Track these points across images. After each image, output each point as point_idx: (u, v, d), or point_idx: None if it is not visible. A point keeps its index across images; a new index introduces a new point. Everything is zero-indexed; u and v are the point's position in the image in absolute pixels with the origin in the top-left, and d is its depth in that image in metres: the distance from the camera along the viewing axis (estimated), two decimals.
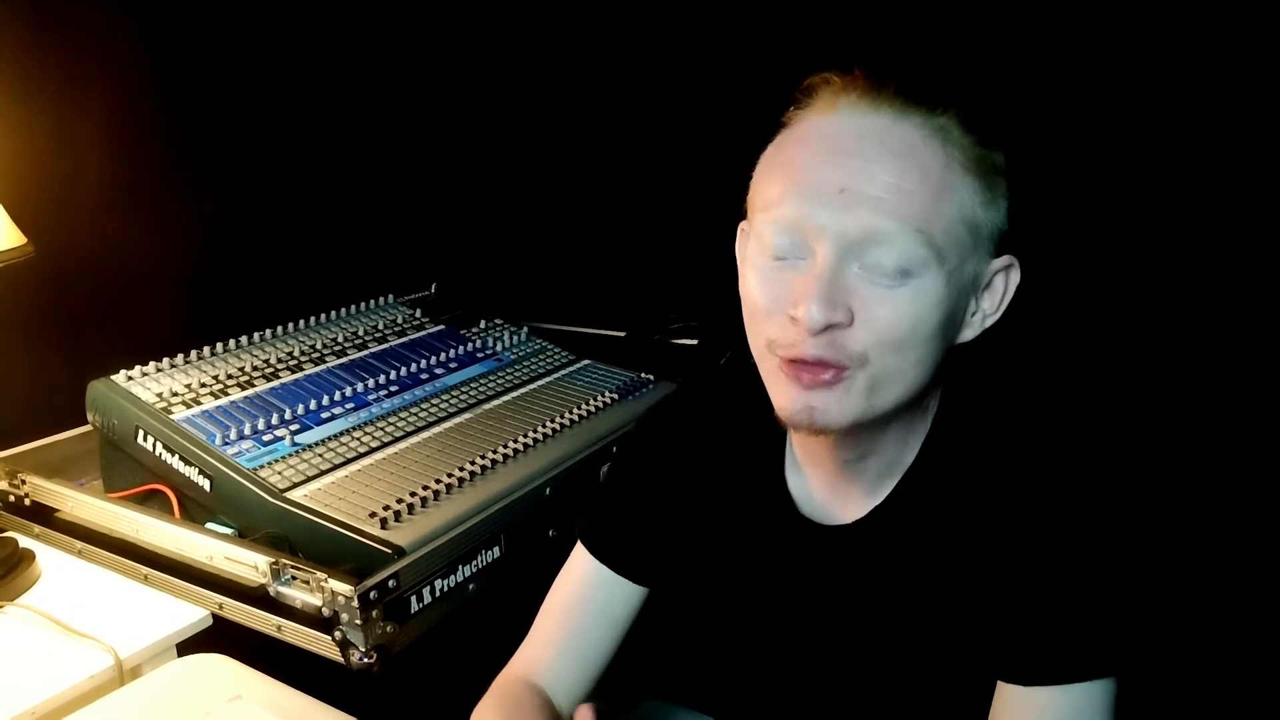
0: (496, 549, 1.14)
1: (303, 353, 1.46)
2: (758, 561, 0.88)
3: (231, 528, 1.19)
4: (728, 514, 0.89)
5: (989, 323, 0.77)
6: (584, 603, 0.93)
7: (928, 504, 0.80)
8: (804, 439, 0.83)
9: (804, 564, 0.86)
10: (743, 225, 0.81)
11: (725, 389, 0.94)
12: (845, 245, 0.70)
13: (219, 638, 1.10)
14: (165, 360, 1.36)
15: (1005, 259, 0.76)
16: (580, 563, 0.95)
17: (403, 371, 1.46)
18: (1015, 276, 0.77)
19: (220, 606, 1.09)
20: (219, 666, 1.03)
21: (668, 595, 0.94)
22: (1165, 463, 1.36)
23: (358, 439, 1.28)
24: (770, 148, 0.77)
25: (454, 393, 1.45)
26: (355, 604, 0.96)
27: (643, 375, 1.55)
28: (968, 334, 0.77)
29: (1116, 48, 1.37)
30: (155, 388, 1.30)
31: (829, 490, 0.84)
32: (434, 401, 1.41)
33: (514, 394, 1.48)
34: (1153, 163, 1.38)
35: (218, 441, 1.21)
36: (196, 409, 1.28)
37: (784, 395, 0.73)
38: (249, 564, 1.07)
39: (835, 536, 0.84)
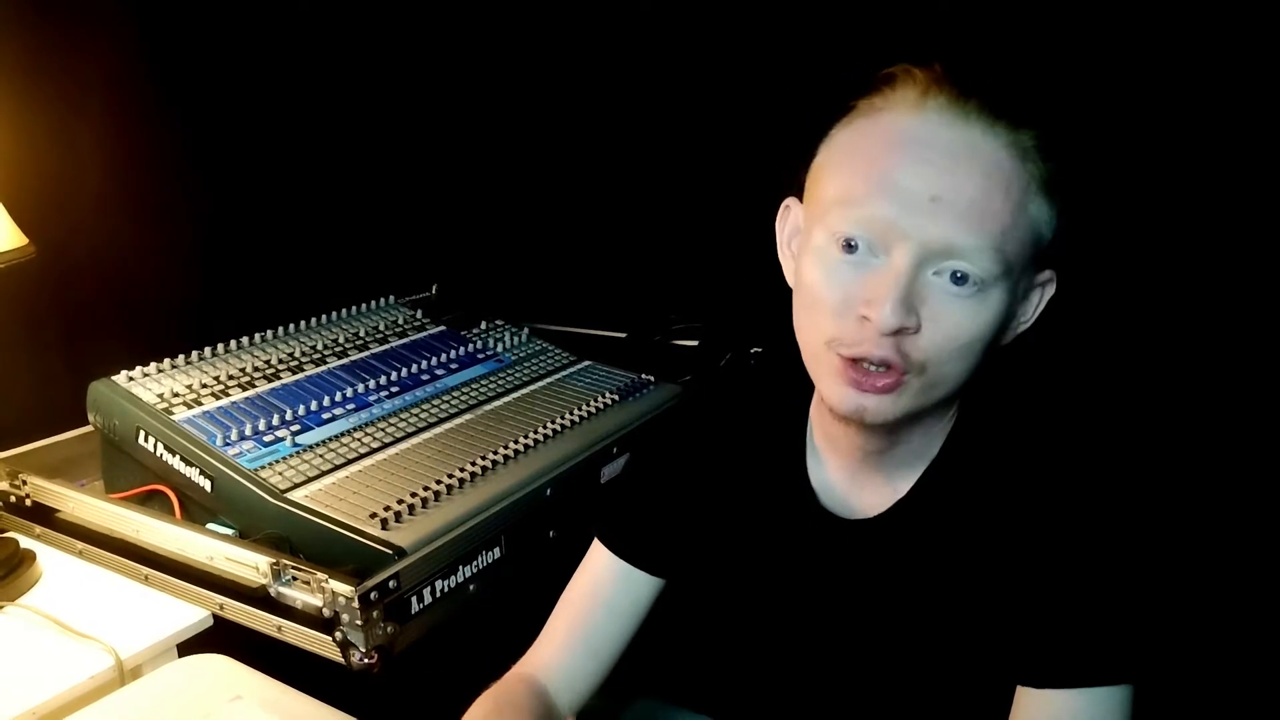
0: (497, 550, 1.14)
1: (303, 354, 1.46)
2: (776, 552, 0.88)
3: (232, 528, 1.18)
4: (748, 504, 0.90)
5: (1021, 329, 0.79)
6: (596, 598, 0.94)
7: (951, 501, 0.80)
8: (828, 427, 0.84)
9: (823, 557, 0.86)
10: (789, 202, 0.81)
11: (741, 384, 0.95)
12: (926, 253, 0.70)
13: (219, 638, 1.10)
14: (166, 361, 1.36)
15: (1049, 273, 0.78)
16: (594, 559, 0.95)
17: (403, 372, 1.46)
18: (1052, 289, 0.79)
19: (221, 607, 1.09)
20: (219, 667, 1.03)
21: (683, 585, 0.95)
22: (1186, 467, 1.35)
23: (358, 440, 1.28)
24: (843, 132, 0.76)
25: (455, 394, 1.45)
26: (356, 604, 0.96)
27: (643, 376, 1.55)
28: (1005, 339, 0.78)
29: (1136, 50, 1.37)
30: (156, 388, 1.30)
31: (849, 477, 0.85)
32: (435, 402, 1.41)
33: (515, 395, 1.48)
34: (1170, 160, 1.37)
35: (219, 442, 1.21)
36: (197, 410, 1.27)
37: (837, 393, 0.74)
38: (249, 564, 1.07)
39: (856, 531, 0.84)
